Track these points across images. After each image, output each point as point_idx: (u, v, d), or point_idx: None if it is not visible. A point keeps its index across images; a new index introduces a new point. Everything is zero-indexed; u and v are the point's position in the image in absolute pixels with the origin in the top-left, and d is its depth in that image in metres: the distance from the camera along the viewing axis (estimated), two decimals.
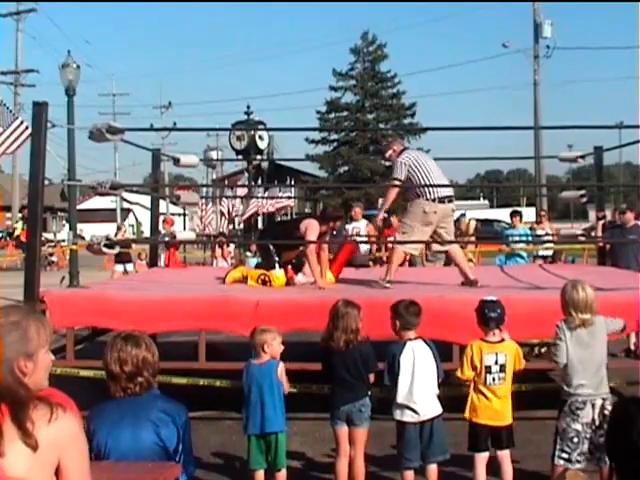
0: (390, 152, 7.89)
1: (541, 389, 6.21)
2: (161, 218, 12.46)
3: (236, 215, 21.07)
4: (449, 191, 7.70)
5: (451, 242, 8.12)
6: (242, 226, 21.89)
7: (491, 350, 4.78)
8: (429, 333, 5.06)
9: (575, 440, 4.58)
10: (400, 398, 4.79)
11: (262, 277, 7.83)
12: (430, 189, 7.41)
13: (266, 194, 19.46)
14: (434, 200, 7.43)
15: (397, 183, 7.63)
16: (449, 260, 13.75)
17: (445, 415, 5.00)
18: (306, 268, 7.94)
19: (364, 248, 12.66)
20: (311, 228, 7.63)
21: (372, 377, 4.99)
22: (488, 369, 4.76)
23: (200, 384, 6.52)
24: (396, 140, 8.48)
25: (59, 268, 23.29)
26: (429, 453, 4.80)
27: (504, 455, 4.84)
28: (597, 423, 4.56)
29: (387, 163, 49.08)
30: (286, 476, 4.96)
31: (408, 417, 4.80)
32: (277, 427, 4.87)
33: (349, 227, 12.69)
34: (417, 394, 4.77)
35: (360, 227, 12.56)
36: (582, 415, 4.56)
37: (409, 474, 4.82)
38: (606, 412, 4.52)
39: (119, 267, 15.40)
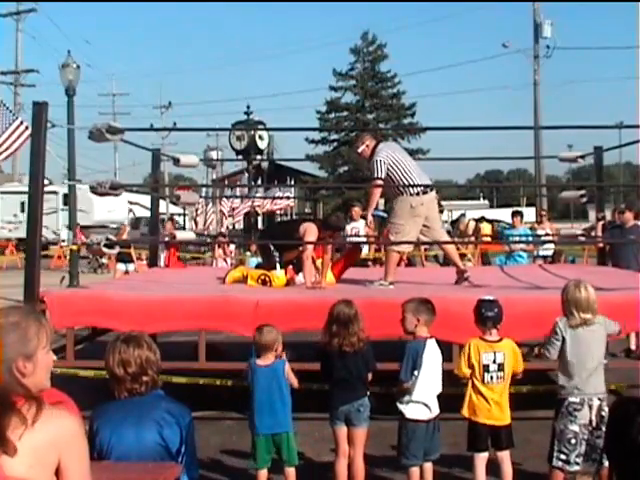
0: (363, 147, 7.83)
1: (540, 389, 6.21)
2: (161, 218, 12.47)
3: (231, 215, 21.06)
4: (427, 180, 7.77)
5: (449, 242, 8.14)
6: (242, 225, 21.87)
7: (489, 349, 4.78)
8: (430, 332, 5.06)
9: (573, 441, 4.58)
10: (417, 395, 4.80)
11: (262, 277, 7.82)
12: (412, 183, 7.47)
13: (267, 194, 19.46)
14: (418, 194, 7.50)
15: (380, 183, 7.64)
16: (447, 261, 13.78)
17: (445, 415, 5.01)
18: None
19: (363, 249, 12.67)
20: (310, 232, 7.64)
21: (370, 376, 4.99)
22: (486, 368, 4.76)
23: (200, 383, 6.53)
24: (367, 135, 8.26)
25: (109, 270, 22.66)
26: (429, 451, 4.84)
27: (504, 456, 4.84)
28: (594, 424, 4.56)
29: None
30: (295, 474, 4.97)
31: (422, 415, 4.81)
32: (286, 427, 4.90)
33: (348, 227, 12.70)
34: (432, 393, 4.83)
35: (359, 227, 12.58)
36: (580, 416, 4.57)
37: (415, 470, 4.84)
38: (603, 413, 4.54)
39: (121, 266, 15.43)
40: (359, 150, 7.94)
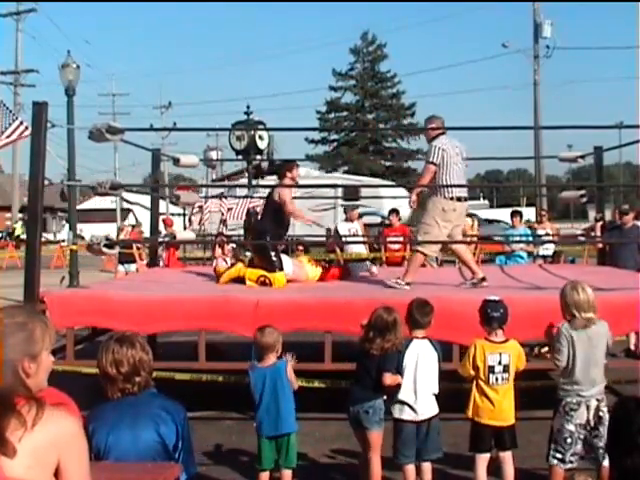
0: (429, 127, 7.62)
1: (541, 389, 6.21)
2: (161, 218, 12.46)
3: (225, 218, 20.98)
4: (465, 191, 7.62)
5: (453, 242, 8.08)
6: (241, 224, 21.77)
7: (495, 350, 4.78)
8: (430, 333, 5.07)
9: (569, 440, 4.59)
10: (401, 395, 4.82)
11: (262, 278, 7.76)
12: (449, 187, 7.28)
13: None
14: (452, 198, 7.31)
15: (433, 168, 7.34)
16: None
17: (446, 415, 5.01)
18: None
19: (361, 249, 12.69)
20: (284, 195, 7.84)
21: (388, 378, 4.81)
22: (491, 369, 4.76)
23: (203, 379, 6.53)
24: (440, 120, 7.77)
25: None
26: (424, 451, 4.84)
27: (506, 456, 4.84)
28: (592, 424, 4.57)
29: (387, 163, 49.31)
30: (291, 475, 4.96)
31: (407, 415, 4.83)
32: (291, 427, 4.88)
33: (345, 228, 12.75)
34: (418, 393, 4.81)
35: (357, 228, 12.64)
36: (576, 416, 4.57)
37: (410, 468, 4.85)
38: (601, 413, 4.55)
39: (121, 267, 15.44)
40: (427, 126, 7.71)
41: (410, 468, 4.85)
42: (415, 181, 7.85)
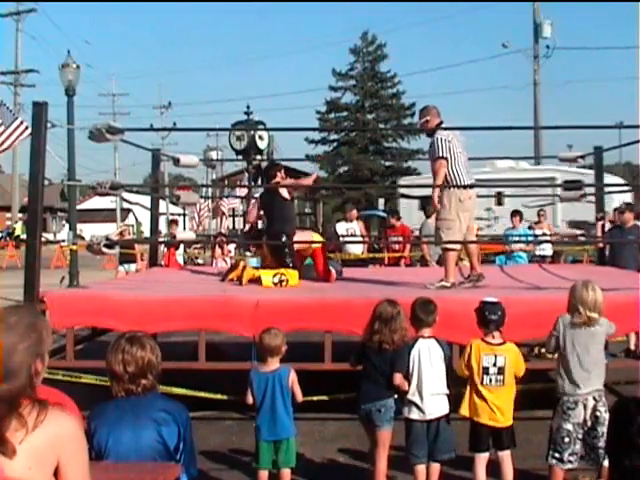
0: (423, 120, 7.46)
1: (541, 389, 6.21)
2: (162, 218, 12.47)
3: (231, 216, 21.00)
4: (473, 177, 7.48)
5: (457, 242, 8.06)
6: (246, 227, 21.78)
7: (490, 351, 4.78)
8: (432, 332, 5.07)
9: (567, 440, 4.60)
10: (409, 395, 4.84)
11: (279, 276, 7.68)
12: (461, 176, 7.17)
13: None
14: (465, 187, 7.19)
15: (443, 162, 7.14)
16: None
17: None
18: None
19: (359, 248, 12.72)
20: (287, 189, 8.03)
21: (398, 379, 4.87)
22: (485, 370, 4.76)
23: (201, 396, 6.52)
24: (434, 110, 7.51)
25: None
26: (435, 451, 4.84)
27: (504, 456, 4.84)
28: (589, 424, 4.57)
29: (387, 163, 49.31)
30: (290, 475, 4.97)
31: (415, 415, 4.83)
32: (289, 433, 4.89)
33: (344, 228, 12.78)
34: (424, 392, 4.81)
35: (355, 228, 12.66)
36: (573, 415, 4.59)
37: (420, 468, 4.85)
38: (598, 413, 4.56)
39: (121, 267, 15.46)
40: (421, 122, 7.58)
41: (420, 469, 4.85)
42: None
